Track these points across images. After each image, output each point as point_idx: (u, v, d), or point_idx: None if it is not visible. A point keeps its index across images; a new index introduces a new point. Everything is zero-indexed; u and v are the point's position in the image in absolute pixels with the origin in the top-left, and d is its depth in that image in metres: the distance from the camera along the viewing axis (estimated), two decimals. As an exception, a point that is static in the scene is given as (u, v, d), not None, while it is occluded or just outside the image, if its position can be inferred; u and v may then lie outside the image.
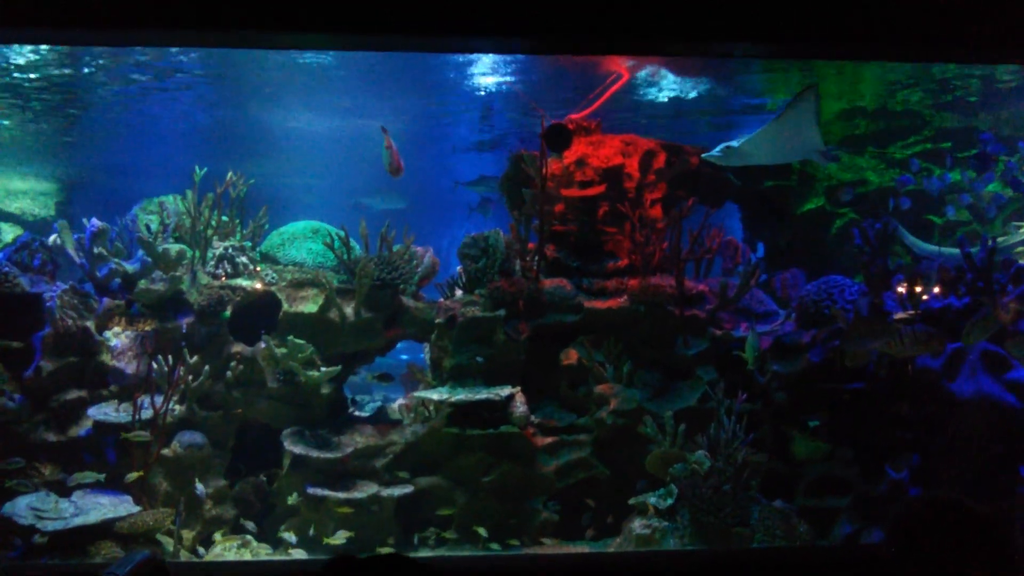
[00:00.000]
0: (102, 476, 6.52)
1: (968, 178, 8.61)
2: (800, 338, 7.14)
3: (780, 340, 7.16)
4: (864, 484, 6.62)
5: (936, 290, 6.85)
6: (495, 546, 6.50)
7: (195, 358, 7.09)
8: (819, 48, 5.32)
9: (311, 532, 6.71)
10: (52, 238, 8.19)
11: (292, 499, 6.83)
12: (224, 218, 8.31)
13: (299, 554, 6.56)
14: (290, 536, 6.66)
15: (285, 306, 7.54)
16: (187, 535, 6.60)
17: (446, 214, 14.84)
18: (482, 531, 6.55)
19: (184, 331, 7.34)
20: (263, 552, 6.58)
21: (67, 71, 8.32)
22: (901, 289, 6.93)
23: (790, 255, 8.63)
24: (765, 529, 6.25)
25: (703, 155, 6.89)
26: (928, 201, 8.70)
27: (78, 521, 6.13)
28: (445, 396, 6.79)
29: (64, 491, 6.44)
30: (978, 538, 2.14)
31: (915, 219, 8.71)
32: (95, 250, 7.60)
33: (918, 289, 6.75)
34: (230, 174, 8.45)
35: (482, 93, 9.39)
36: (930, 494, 6.26)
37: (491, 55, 7.89)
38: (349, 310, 7.61)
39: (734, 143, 6.55)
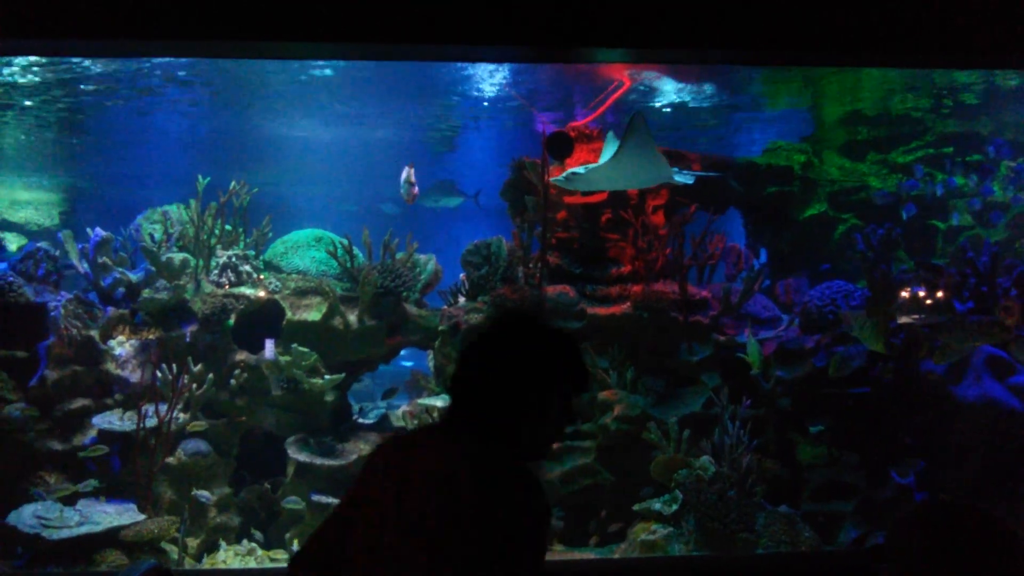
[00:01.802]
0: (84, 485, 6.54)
1: (973, 182, 8.62)
2: (804, 343, 7.14)
3: (784, 345, 7.16)
4: (869, 489, 6.60)
5: (940, 294, 6.84)
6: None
7: (199, 366, 7.11)
8: (819, 55, 5.33)
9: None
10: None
11: (296, 506, 6.83)
12: (228, 227, 8.33)
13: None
14: (295, 545, 6.67)
15: (289, 314, 7.56)
16: (192, 543, 6.60)
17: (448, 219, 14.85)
18: None
19: (188, 340, 7.35)
20: (268, 560, 6.58)
21: (70, 81, 8.36)
22: (904, 293, 6.93)
23: (793, 261, 8.63)
24: (770, 535, 6.23)
25: (552, 179, 6.94)
26: (927, 205, 8.72)
27: (83, 530, 6.13)
28: (448, 403, 6.78)
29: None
30: (989, 541, 2.13)
31: (918, 224, 8.72)
32: (99, 260, 7.62)
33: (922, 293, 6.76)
34: (233, 183, 8.48)
35: (486, 103, 9.42)
36: (937, 497, 6.26)
37: (494, 64, 7.91)
38: (352, 318, 7.62)
39: (580, 170, 6.65)
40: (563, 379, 2.29)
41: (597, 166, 6.60)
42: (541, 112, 9.55)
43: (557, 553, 6.56)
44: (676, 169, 6.99)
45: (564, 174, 6.71)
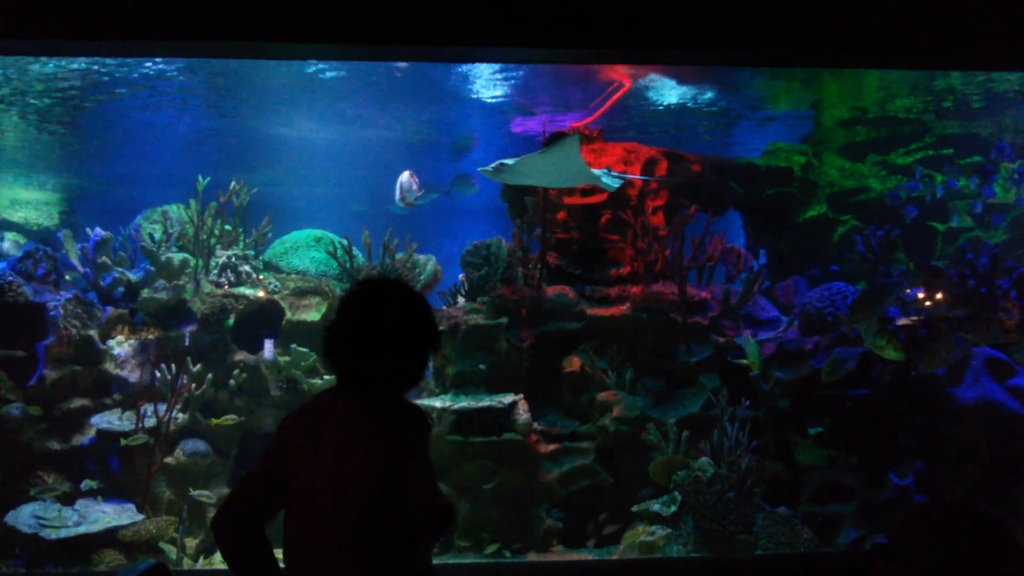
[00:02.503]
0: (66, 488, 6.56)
1: (975, 184, 8.62)
2: (803, 345, 7.14)
3: (783, 347, 7.16)
4: (868, 490, 6.60)
5: (938, 296, 6.85)
6: (507, 553, 6.49)
7: (198, 366, 7.11)
8: (818, 57, 5.34)
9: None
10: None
11: None
12: (227, 227, 8.33)
13: None
14: None
15: (288, 314, 7.56)
16: (190, 543, 6.60)
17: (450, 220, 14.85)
18: (492, 547, 6.51)
19: (187, 340, 7.35)
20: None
21: (71, 81, 8.36)
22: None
23: (792, 262, 8.63)
24: (769, 536, 6.23)
25: (479, 168, 7.00)
26: (926, 206, 8.72)
27: (81, 530, 6.14)
28: (448, 404, 6.79)
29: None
30: (990, 542, 2.13)
31: (918, 225, 8.73)
32: (99, 259, 7.62)
33: (921, 295, 6.76)
34: (233, 183, 8.48)
35: (487, 101, 9.41)
36: (940, 498, 6.26)
37: (495, 64, 7.91)
38: (352, 318, 7.61)
39: (509, 161, 6.74)
40: (423, 333, 2.68)
41: (524, 158, 6.66)
42: (542, 114, 9.54)
43: (556, 554, 6.56)
44: (605, 171, 7.07)
45: (492, 164, 6.78)
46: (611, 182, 7.00)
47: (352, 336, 2.61)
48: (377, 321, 2.60)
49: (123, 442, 6.62)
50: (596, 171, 6.86)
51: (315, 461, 2.51)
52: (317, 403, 2.68)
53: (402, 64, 7.87)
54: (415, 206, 7.69)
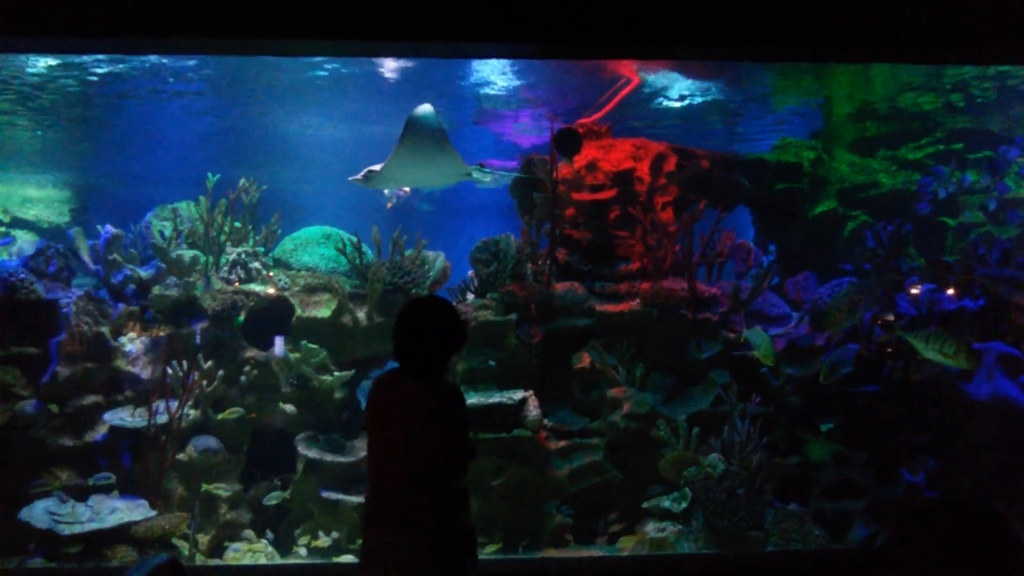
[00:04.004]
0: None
1: (987, 180, 8.56)
2: (814, 341, 7.12)
3: (794, 343, 7.14)
4: (879, 487, 6.58)
5: (950, 292, 6.82)
6: (520, 549, 6.48)
7: (209, 363, 7.13)
8: (827, 51, 5.32)
9: (321, 535, 6.73)
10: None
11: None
12: (237, 224, 8.35)
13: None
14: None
15: (298, 311, 7.58)
16: (202, 539, 6.63)
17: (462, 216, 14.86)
18: (492, 547, 6.50)
19: (198, 336, 7.37)
20: (277, 556, 6.60)
21: (80, 79, 8.39)
22: (915, 291, 6.90)
23: (802, 258, 8.60)
24: (779, 532, 6.23)
25: (349, 178, 7.05)
26: (937, 201, 8.67)
27: (94, 526, 6.18)
28: (458, 400, 6.78)
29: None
30: (992, 539, 2.13)
31: (928, 220, 8.68)
32: (110, 256, 7.66)
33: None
34: (243, 180, 8.50)
35: (493, 98, 9.42)
36: (946, 495, 6.23)
37: (503, 60, 7.90)
38: (362, 315, 7.64)
39: (376, 167, 6.84)
40: (456, 334, 3.75)
41: (389, 157, 6.67)
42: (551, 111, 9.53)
43: (567, 550, 6.56)
44: (477, 166, 7.13)
45: (362, 172, 6.84)
46: (482, 176, 7.03)
47: (408, 337, 3.65)
48: (424, 328, 3.66)
49: (250, 416, 7.00)
50: (468, 167, 6.93)
51: (391, 421, 3.61)
52: (389, 380, 3.74)
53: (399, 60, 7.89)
54: (394, 203, 7.72)
